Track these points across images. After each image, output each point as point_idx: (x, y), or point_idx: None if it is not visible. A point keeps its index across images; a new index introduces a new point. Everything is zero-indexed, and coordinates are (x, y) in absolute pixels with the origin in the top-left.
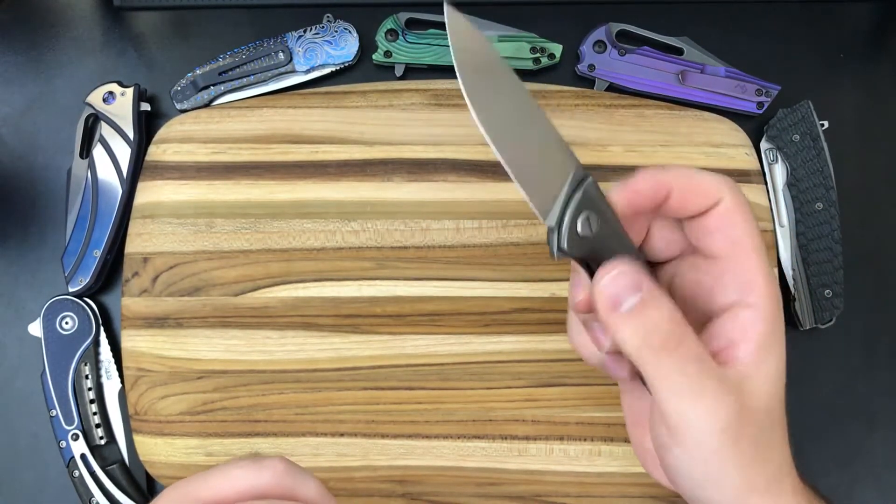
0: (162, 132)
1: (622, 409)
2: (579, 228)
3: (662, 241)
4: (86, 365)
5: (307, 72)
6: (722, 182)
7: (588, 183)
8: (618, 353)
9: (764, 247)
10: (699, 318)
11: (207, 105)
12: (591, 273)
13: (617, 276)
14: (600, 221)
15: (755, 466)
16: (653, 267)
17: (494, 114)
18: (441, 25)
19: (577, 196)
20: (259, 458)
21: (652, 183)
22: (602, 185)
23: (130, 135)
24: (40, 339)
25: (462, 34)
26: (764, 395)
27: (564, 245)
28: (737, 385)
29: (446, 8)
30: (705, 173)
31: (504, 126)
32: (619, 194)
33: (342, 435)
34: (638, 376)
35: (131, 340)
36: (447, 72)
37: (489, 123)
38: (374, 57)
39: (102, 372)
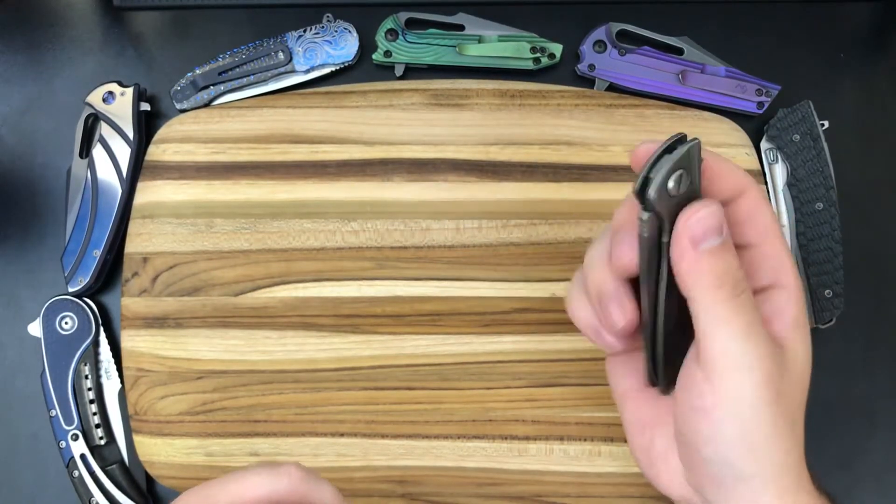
0: (162, 132)
1: (622, 416)
2: (671, 185)
3: None
4: (85, 365)
5: (307, 72)
6: (745, 173)
7: (694, 144)
8: (629, 338)
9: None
10: None
11: (207, 105)
12: (655, 240)
13: (707, 216)
14: (690, 183)
15: (787, 440)
16: None
17: None
18: (441, 25)
19: (677, 153)
20: (276, 464)
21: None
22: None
23: (130, 135)
24: (40, 339)
25: None
26: (798, 372)
27: (653, 195)
28: (777, 350)
29: None
30: (730, 163)
31: None
32: (642, 150)
33: (342, 435)
34: (631, 350)
35: (131, 340)
36: (447, 72)
37: None
38: (374, 57)
39: (102, 372)
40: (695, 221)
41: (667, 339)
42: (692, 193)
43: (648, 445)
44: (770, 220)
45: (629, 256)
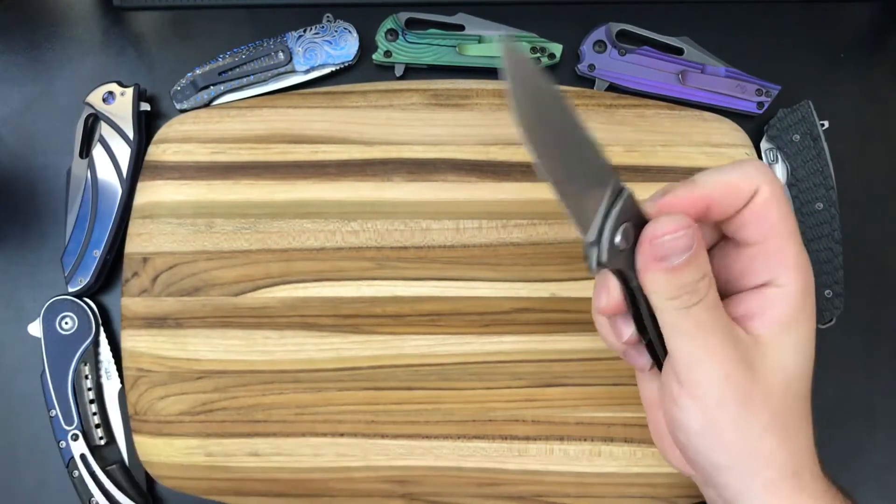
0: (162, 132)
1: (640, 392)
2: (617, 241)
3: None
4: (85, 365)
5: (307, 72)
6: (754, 172)
7: (626, 196)
8: (637, 343)
9: (797, 229)
10: (726, 295)
11: (207, 105)
12: (623, 279)
13: (677, 238)
14: (636, 233)
15: (763, 437)
16: None
17: (539, 134)
18: (441, 25)
19: (616, 209)
20: None
21: (689, 203)
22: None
23: (130, 135)
24: (40, 339)
25: (516, 61)
26: (780, 371)
27: (604, 259)
28: (749, 347)
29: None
30: (737, 169)
31: (548, 144)
32: (653, 211)
33: (342, 435)
34: (655, 365)
35: (131, 340)
36: (447, 71)
37: (535, 143)
38: (374, 57)
39: (102, 372)
40: (667, 240)
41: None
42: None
43: (657, 422)
44: (777, 218)
45: (604, 303)
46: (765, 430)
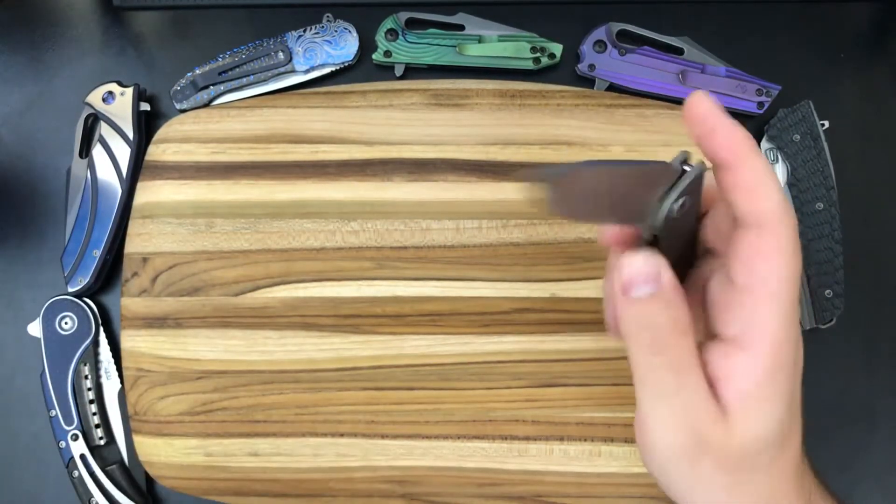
0: (161, 132)
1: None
2: (675, 208)
3: (713, 229)
4: (85, 365)
5: (307, 72)
6: (779, 210)
7: (699, 172)
8: None
9: (793, 294)
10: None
11: (207, 105)
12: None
13: (638, 262)
14: (690, 205)
15: (715, 493)
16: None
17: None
18: (441, 25)
19: (685, 180)
20: None
21: (732, 143)
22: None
23: (130, 135)
24: (39, 339)
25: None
26: (749, 441)
27: (657, 222)
28: (712, 422)
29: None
30: (776, 192)
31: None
32: (705, 108)
33: (342, 435)
34: None
35: (131, 340)
36: (447, 72)
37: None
38: (374, 57)
39: (102, 372)
40: (625, 267)
41: None
42: (691, 214)
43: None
44: (771, 273)
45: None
46: (719, 489)
